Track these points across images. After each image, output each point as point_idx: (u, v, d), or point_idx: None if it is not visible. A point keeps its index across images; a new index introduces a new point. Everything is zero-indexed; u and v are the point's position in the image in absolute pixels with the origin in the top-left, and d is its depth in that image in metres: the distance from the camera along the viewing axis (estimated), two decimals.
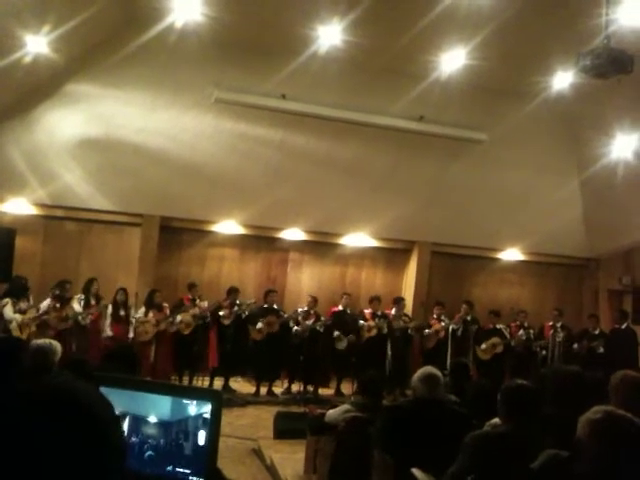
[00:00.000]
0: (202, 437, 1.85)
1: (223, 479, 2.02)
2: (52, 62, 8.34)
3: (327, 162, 10.07)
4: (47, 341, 4.32)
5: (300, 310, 9.71)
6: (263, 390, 9.46)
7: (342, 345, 9.61)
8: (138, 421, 1.89)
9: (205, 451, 1.84)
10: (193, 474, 1.85)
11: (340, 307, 9.96)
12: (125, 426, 1.87)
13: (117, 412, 1.85)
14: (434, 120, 9.91)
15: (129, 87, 9.16)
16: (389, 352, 9.72)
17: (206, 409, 1.86)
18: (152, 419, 1.89)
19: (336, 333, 9.56)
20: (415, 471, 3.51)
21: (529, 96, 9.53)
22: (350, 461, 4.47)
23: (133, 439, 1.88)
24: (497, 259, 12.10)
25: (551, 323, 10.44)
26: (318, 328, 9.56)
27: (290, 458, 6.16)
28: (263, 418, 7.85)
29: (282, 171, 10.03)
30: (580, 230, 11.50)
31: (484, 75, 9.08)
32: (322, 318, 9.69)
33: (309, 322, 9.54)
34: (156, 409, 1.89)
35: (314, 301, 9.88)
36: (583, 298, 12.37)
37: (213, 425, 1.85)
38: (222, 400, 1.96)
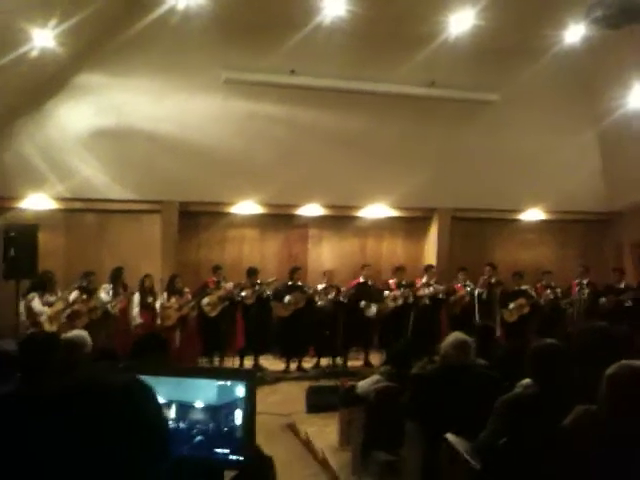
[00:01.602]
0: (238, 416, 1.89)
1: (262, 456, 2.06)
2: (58, 55, 8.35)
3: (338, 135, 10.01)
4: (76, 333, 4.36)
5: (320, 287, 9.74)
6: (292, 366, 9.56)
7: (371, 312, 9.57)
8: (184, 408, 1.93)
9: (242, 430, 1.88)
10: (232, 453, 1.89)
11: (361, 279, 9.93)
12: (172, 414, 1.91)
13: (162, 401, 1.90)
14: (444, 84, 9.78)
15: (136, 75, 9.16)
16: (411, 321, 9.74)
17: (240, 389, 1.89)
18: (198, 404, 1.93)
19: (363, 302, 9.57)
20: (449, 436, 3.55)
21: (540, 52, 9.33)
22: (383, 431, 4.52)
23: (181, 425, 1.93)
24: (517, 220, 11.98)
25: (577, 280, 10.36)
26: (342, 299, 9.59)
27: (323, 431, 6.25)
28: (294, 394, 7.93)
29: (294, 148, 9.98)
30: (600, 184, 11.32)
31: (493, 33, 8.89)
32: (342, 289, 9.70)
33: (331, 296, 9.59)
34: (199, 394, 1.93)
35: (330, 274, 9.94)
36: (606, 253, 12.18)
37: (249, 404, 1.88)
38: (256, 379, 1.99)
